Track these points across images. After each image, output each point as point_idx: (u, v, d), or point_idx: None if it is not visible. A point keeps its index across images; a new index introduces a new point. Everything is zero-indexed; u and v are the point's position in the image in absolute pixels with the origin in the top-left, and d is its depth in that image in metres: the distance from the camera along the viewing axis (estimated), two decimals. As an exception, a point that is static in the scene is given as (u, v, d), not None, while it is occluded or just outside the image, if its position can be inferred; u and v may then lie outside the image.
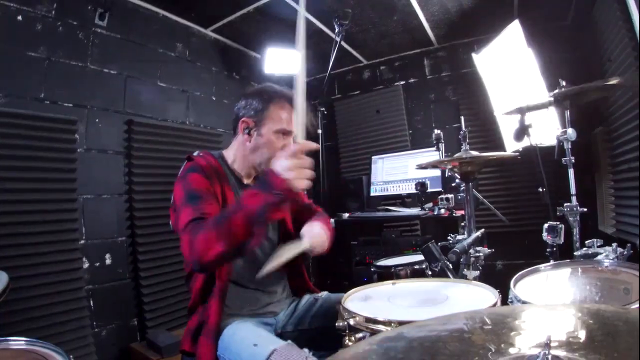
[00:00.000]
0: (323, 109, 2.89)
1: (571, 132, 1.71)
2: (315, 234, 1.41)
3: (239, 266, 1.43)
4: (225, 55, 3.44)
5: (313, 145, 1.15)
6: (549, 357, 0.48)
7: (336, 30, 2.56)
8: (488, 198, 2.60)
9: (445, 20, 3.20)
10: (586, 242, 1.59)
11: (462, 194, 1.81)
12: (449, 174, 2.12)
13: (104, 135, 2.49)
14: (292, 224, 1.61)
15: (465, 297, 1.13)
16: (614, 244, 1.48)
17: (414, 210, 2.99)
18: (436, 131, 2.43)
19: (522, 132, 1.64)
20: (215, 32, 3.30)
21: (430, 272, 1.84)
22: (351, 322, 1.00)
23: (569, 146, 1.74)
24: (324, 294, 1.62)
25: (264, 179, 1.15)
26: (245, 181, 1.54)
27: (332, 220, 3.09)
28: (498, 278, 1.25)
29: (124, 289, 2.50)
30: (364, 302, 1.16)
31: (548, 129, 2.11)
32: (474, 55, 3.07)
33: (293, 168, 1.10)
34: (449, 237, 1.80)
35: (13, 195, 2.01)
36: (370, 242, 3.05)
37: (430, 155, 3.01)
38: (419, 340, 0.63)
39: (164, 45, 2.91)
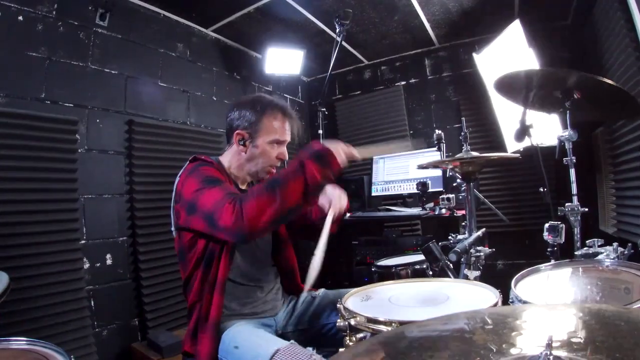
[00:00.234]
0: (324, 109, 2.89)
1: (572, 132, 1.71)
2: (335, 194, 1.49)
3: (237, 263, 1.44)
4: (226, 55, 3.44)
5: (357, 157, 1.33)
6: (551, 357, 0.48)
7: (337, 30, 2.56)
8: (489, 198, 2.60)
9: (446, 20, 3.20)
10: (587, 241, 1.58)
11: (463, 194, 1.81)
12: (450, 174, 2.12)
13: (104, 135, 2.49)
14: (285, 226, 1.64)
15: (466, 297, 1.13)
16: (615, 244, 1.48)
17: (415, 210, 2.99)
18: (437, 131, 2.43)
19: (523, 132, 1.63)
20: (216, 32, 3.30)
21: (431, 272, 1.84)
22: (352, 322, 1.00)
23: (570, 146, 1.74)
24: (321, 291, 1.63)
25: (323, 155, 1.22)
26: (242, 186, 1.57)
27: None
28: (499, 278, 1.25)
29: (124, 289, 2.50)
30: (365, 302, 1.16)
31: (549, 129, 2.11)
32: (474, 55, 3.07)
33: (343, 154, 1.25)
34: (449, 237, 1.80)
35: (13, 195, 2.01)
36: (371, 242, 3.05)
37: (431, 155, 3.01)
38: (420, 341, 0.63)
39: (165, 45, 2.91)
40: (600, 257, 1.45)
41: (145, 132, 2.66)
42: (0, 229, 1.95)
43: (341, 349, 0.97)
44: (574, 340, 0.54)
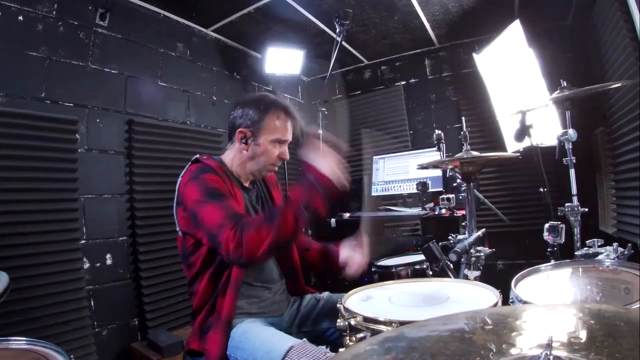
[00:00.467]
0: (324, 109, 2.89)
1: (572, 132, 1.71)
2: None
3: None
4: (226, 55, 3.44)
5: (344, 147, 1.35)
6: (551, 357, 0.48)
7: (337, 30, 2.56)
8: (489, 198, 2.61)
9: (446, 20, 3.20)
10: (587, 242, 1.59)
11: (463, 194, 1.82)
12: (450, 174, 2.12)
13: (104, 135, 2.49)
14: None
15: (466, 297, 1.13)
16: (615, 244, 1.48)
17: (415, 210, 2.99)
18: (437, 131, 2.44)
19: (523, 132, 1.63)
20: (216, 32, 3.30)
21: (431, 272, 1.84)
22: (352, 322, 1.00)
23: (570, 146, 1.74)
24: (326, 294, 1.63)
25: (306, 175, 1.27)
26: (245, 184, 1.58)
27: (332, 220, 3.12)
28: (499, 278, 1.25)
29: (124, 289, 2.50)
30: (365, 302, 1.16)
31: (549, 129, 2.11)
32: (474, 55, 3.07)
33: (333, 166, 1.27)
34: (449, 237, 1.80)
35: (13, 195, 2.01)
36: (370, 242, 3.04)
37: (431, 155, 3.01)
38: (419, 341, 0.63)
39: (165, 45, 2.91)
40: (600, 257, 1.45)
41: (145, 132, 2.66)
42: (0, 229, 1.95)
43: (341, 349, 0.97)
44: (574, 340, 0.54)
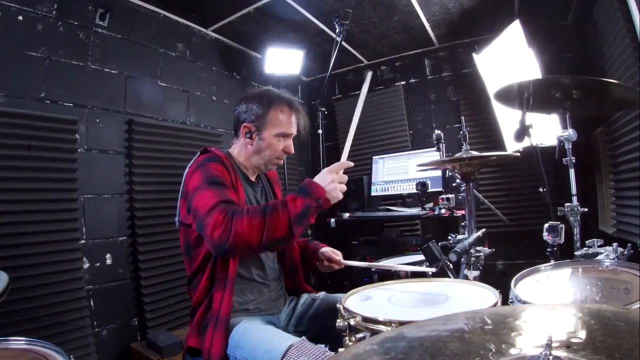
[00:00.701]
0: (323, 109, 2.89)
1: (572, 132, 1.71)
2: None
3: (245, 259, 1.46)
4: (226, 55, 3.44)
5: (351, 164, 1.36)
6: (550, 357, 0.48)
7: (337, 30, 2.55)
8: (489, 198, 2.60)
9: (445, 20, 3.20)
10: (587, 242, 1.58)
11: (462, 194, 1.81)
12: (450, 174, 2.12)
13: (104, 135, 2.49)
14: None
15: (466, 297, 1.13)
16: (615, 244, 1.48)
17: (415, 210, 2.99)
18: (437, 131, 2.43)
19: (522, 132, 1.63)
20: (215, 32, 3.30)
21: (430, 272, 1.83)
22: (351, 322, 1.00)
23: (570, 146, 1.74)
24: (322, 294, 1.63)
25: (305, 187, 1.28)
26: (252, 178, 1.59)
27: (332, 220, 3.12)
28: (498, 278, 1.25)
29: (124, 289, 2.50)
30: (365, 302, 1.16)
31: (549, 129, 2.11)
32: (474, 55, 3.07)
33: (333, 182, 1.28)
34: (449, 237, 1.80)
35: (13, 195, 2.01)
36: (370, 242, 3.05)
37: (431, 155, 3.01)
38: (419, 341, 0.63)
39: (165, 45, 2.91)
40: (599, 257, 1.45)
41: (145, 132, 2.66)
42: (0, 229, 1.94)
43: (341, 349, 0.97)
44: (573, 340, 0.54)
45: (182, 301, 2.68)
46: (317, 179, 1.30)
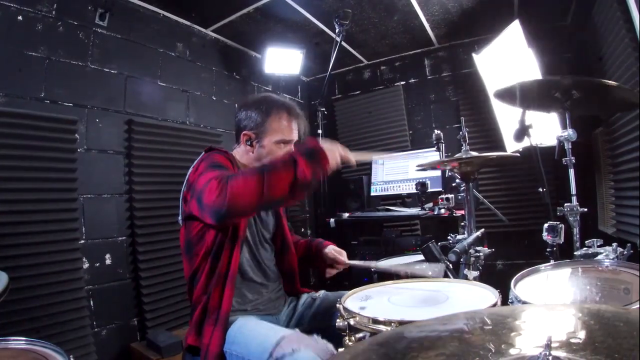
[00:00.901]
0: (323, 109, 2.89)
1: (572, 132, 1.71)
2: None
3: (244, 258, 1.46)
4: (226, 55, 3.44)
5: (352, 162, 1.34)
6: (550, 357, 0.48)
7: (337, 30, 2.56)
8: (488, 198, 2.60)
9: (445, 20, 3.20)
10: (586, 242, 1.58)
11: (462, 194, 1.81)
12: (449, 174, 2.12)
13: (104, 135, 2.48)
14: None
15: (466, 297, 1.13)
16: (614, 244, 1.48)
17: (414, 210, 2.99)
18: (436, 131, 2.43)
19: (522, 132, 1.63)
20: (215, 32, 3.30)
21: (430, 272, 1.83)
22: (351, 322, 1.00)
23: (570, 146, 1.74)
24: (322, 293, 1.63)
25: (315, 153, 1.22)
26: None
27: (332, 220, 3.12)
28: (498, 278, 1.25)
29: (124, 289, 2.50)
30: (364, 302, 1.16)
31: (548, 129, 2.11)
32: (474, 55, 3.07)
33: (337, 155, 1.26)
34: (449, 237, 1.80)
35: (13, 195, 2.01)
36: (370, 242, 3.05)
37: (431, 155, 3.01)
38: (419, 341, 0.63)
39: (165, 45, 2.91)
40: (599, 257, 1.45)
41: (144, 132, 2.66)
42: (0, 228, 1.94)
43: (341, 349, 0.98)
44: (573, 340, 0.54)
45: (181, 301, 2.68)
46: (326, 147, 1.25)
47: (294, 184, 1.17)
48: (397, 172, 3.39)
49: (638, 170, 2.04)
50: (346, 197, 3.57)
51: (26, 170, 2.06)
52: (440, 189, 2.96)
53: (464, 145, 1.75)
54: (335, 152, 1.26)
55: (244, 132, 1.50)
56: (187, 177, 1.43)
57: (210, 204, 1.17)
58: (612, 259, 1.41)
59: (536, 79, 1.69)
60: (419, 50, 3.82)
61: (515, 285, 1.20)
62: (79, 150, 2.31)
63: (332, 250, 1.65)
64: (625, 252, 1.44)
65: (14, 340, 1.02)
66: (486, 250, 1.56)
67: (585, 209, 1.71)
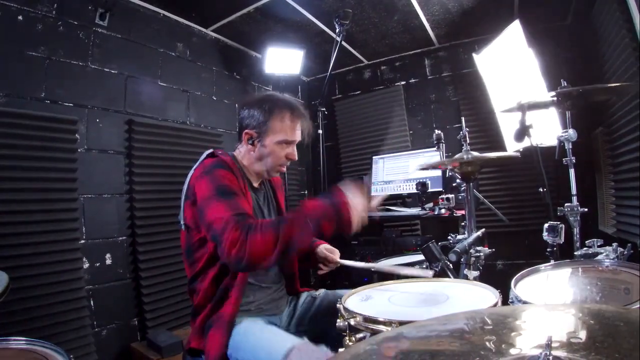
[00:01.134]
0: (323, 109, 2.89)
1: (572, 132, 1.71)
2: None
3: None
4: (226, 55, 3.44)
5: (375, 209, 1.38)
6: (550, 357, 0.48)
7: (337, 30, 2.56)
8: (489, 198, 2.60)
9: (445, 20, 3.20)
10: (586, 242, 1.59)
11: (462, 194, 1.81)
12: (450, 174, 2.12)
13: (104, 135, 2.49)
14: None
15: (466, 297, 1.13)
16: (615, 244, 1.48)
17: (415, 210, 2.99)
18: (437, 131, 2.44)
19: (522, 132, 1.63)
20: (215, 31, 3.30)
21: (431, 274, 1.83)
22: (352, 322, 1.00)
23: (570, 146, 1.74)
24: (322, 291, 1.63)
25: (336, 205, 1.23)
26: (255, 184, 1.57)
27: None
28: (498, 278, 1.25)
29: (124, 289, 2.50)
30: (365, 302, 1.16)
31: (549, 129, 2.11)
32: (474, 55, 3.07)
33: (363, 212, 1.27)
34: (449, 237, 1.80)
35: (13, 195, 2.01)
36: (370, 242, 3.05)
37: (431, 155, 3.01)
38: (419, 341, 0.63)
39: (165, 45, 2.91)
40: (599, 257, 1.45)
41: (145, 132, 2.66)
42: (0, 228, 1.94)
43: (341, 349, 0.98)
44: (573, 340, 0.54)
45: (182, 301, 2.68)
46: (353, 203, 1.25)
47: (302, 226, 1.20)
48: (398, 172, 3.39)
49: (638, 170, 2.04)
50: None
51: (26, 170, 2.06)
52: (441, 189, 2.96)
53: (464, 145, 1.75)
54: (358, 208, 1.26)
55: (246, 130, 1.48)
56: (188, 179, 1.42)
57: (231, 257, 1.18)
58: (613, 259, 1.41)
59: (534, 100, 1.70)
60: (419, 50, 3.82)
61: (515, 285, 1.20)
62: (79, 150, 2.31)
63: (324, 249, 1.64)
64: (625, 252, 1.44)
65: (14, 340, 1.02)
66: (486, 250, 1.56)
67: (586, 209, 1.71)
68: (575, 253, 1.61)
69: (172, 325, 2.64)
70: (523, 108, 1.64)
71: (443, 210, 2.72)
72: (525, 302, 1.07)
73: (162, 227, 2.63)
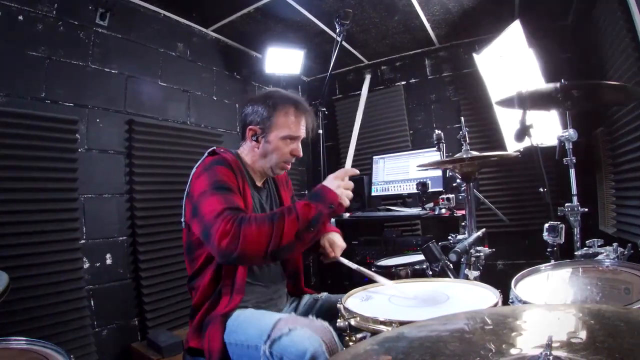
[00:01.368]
0: (324, 109, 2.89)
1: (572, 132, 1.71)
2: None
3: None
4: (226, 55, 3.44)
5: (356, 172, 1.36)
6: (550, 357, 0.48)
7: (337, 30, 2.56)
8: (489, 198, 2.60)
9: (446, 20, 3.20)
10: (587, 242, 1.59)
11: (463, 194, 1.81)
12: (450, 174, 2.12)
13: (104, 135, 2.49)
14: None
15: (466, 297, 1.13)
16: (615, 244, 1.48)
17: (415, 210, 2.99)
18: (437, 131, 2.43)
19: (523, 132, 1.63)
20: (216, 31, 3.30)
21: (430, 272, 1.84)
22: (352, 322, 1.00)
23: (570, 146, 1.74)
24: (324, 294, 1.63)
25: (316, 192, 1.28)
26: (258, 183, 1.56)
27: (332, 220, 3.11)
28: (499, 278, 1.25)
29: (124, 289, 2.50)
30: (365, 302, 1.16)
31: (549, 129, 2.11)
32: (475, 55, 3.07)
33: (342, 187, 1.28)
34: (449, 237, 1.80)
35: (13, 195, 2.01)
36: (371, 242, 3.05)
37: (431, 155, 3.01)
38: (419, 341, 0.63)
39: (165, 45, 2.91)
40: (600, 257, 1.45)
41: (145, 132, 2.66)
42: (0, 228, 1.95)
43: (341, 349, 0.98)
44: (573, 340, 0.54)
45: (182, 301, 2.68)
46: (328, 183, 1.29)
47: (299, 227, 1.20)
48: (398, 172, 3.39)
49: (639, 170, 2.04)
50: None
51: (26, 170, 2.06)
52: (441, 189, 2.96)
53: (464, 145, 1.74)
54: (335, 182, 1.29)
55: (250, 126, 1.47)
56: (190, 178, 1.41)
57: (221, 248, 1.16)
58: (613, 259, 1.41)
59: (535, 88, 1.69)
60: (419, 50, 3.81)
61: (515, 285, 1.20)
62: (79, 150, 2.31)
63: (327, 241, 1.61)
64: (625, 252, 1.44)
65: (14, 340, 1.02)
66: (487, 250, 1.56)
67: (586, 209, 1.71)
68: (576, 253, 1.61)
69: (173, 325, 2.64)
70: (522, 99, 1.63)
71: (443, 210, 2.72)
72: (525, 302, 1.07)
73: (163, 227, 2.63)
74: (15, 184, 2.02)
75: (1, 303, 1.13)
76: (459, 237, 1.75)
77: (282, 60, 3.39)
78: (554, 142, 1.80)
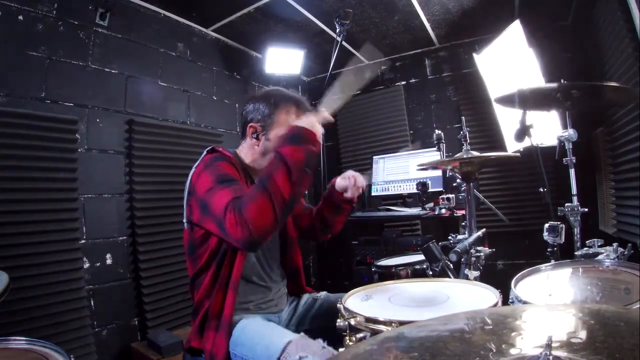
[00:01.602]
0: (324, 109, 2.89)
1: (572, 132, 1.71)
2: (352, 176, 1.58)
3: (249, 262, 1.44)
4: (226, 55, 3.44)
5: (331, 119, 1.39)
6: (550, 357, 0.48)
7: (337, 30, 2.56)
8: (489, 198, 2.60)
9: (446, 20, 3.20)
10: (587, 242, 1.58)
11: (463, 194, 1.81)
12: (450, 174, 2.12)
13: (104, 135, 2.49)
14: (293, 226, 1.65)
15: (466, 297, 1.13)
16: (615, 244, 1.48)
17: (415, 210, 2.99)
18: (437, 131, 2.43)
19: (523, 132, 1.63)
20: (216, 31, 3.30)
21: (430, 272, 1.84)
22: (352, 322, 1.00)
23: (570, 146, 1.74)
24: (323, 294, 1.63)
25: (294, 135, 1.27)
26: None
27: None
28: (499, 278, 1.25)
29: (124, 289, 2.51)
30: (365, 302, 1.16)
31: (549, 129, 2.11)
32: (475, 55, 3.07)
33: (317, 124, 1.30)
34: (449, 237, 1.80)
35: (13, 195, 2.02)
36: (371, 241, 3.05)
37: (431, 155, 3.01)
38: (419, 341, 0.63)
39: (165, 45, 2.91)
40: (600, 257, 1.45)
41: (145, 132, 2.66)
42: (0, 228, 1.95)
43: (341, 349, 0.98)
44: (573, 340, 0.54)
45: (182, 301, 2.68)
46: (304, 123, 1.29)
47: (290, 175, 1.19)
48: (398, 172, 3.39)
49: (638, 170, 2.04)
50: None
51: (26, 170, 2.06)
52: (441, 189, 2.96)
53: (464, 145, 1.74)
54: (311, 121, 1.31)
55: (251, 124, 1.47)
56: (190, 177, 1.41)
57: (238, 238, 1.17)
58: (613, 259, 1.41)
59: (534, 86, 1.69)
60: (419, 50, 3.82)
61: (515, 285, 1.20)
62: (79, 150, 2.31)
63: (339, 180, 1.60)
64: (625, 252, 1.44)
65: (14, 340, 1.02)
66: (487, 250, 1.56)
67: (586, 209, 1.71)
68: (576, 253, 1.61)
69: (173, 325, 2.64)
70: (522, 98, 1.63)
71: (443, 210, 2.72)
72: (525, 302, 1.07)
73: (163, 227, 2.64)
74: (15, 184, 2.02)
75: (1, 303, 1.13)
76: (459, 237, 1.75)
77: (282, 60, 3.39)
78: (554, 142, 1.79)
